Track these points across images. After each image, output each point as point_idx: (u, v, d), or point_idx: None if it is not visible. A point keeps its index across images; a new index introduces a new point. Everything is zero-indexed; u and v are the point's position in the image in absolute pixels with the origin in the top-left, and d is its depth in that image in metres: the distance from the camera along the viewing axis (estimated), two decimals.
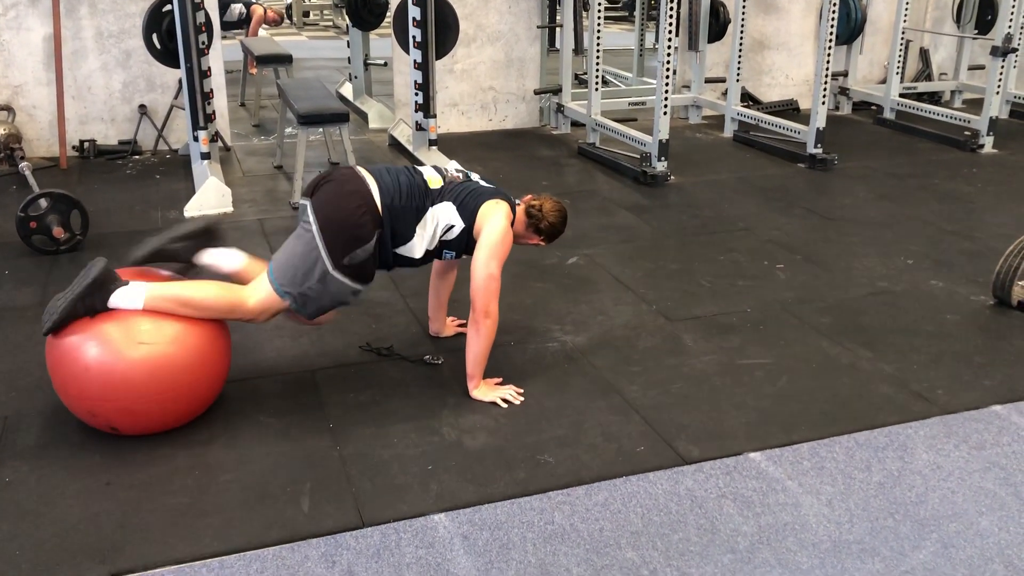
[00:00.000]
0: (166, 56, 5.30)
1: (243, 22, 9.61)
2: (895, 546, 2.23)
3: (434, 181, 2.87)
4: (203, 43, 4.88)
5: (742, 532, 2.28)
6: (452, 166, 5.06)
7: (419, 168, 2.93)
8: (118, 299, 2.51)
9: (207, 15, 4.99)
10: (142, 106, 5.86)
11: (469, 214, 2.83)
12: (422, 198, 2.81)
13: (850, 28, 7.09)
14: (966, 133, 6.30)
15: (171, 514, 2.30)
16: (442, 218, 2.82)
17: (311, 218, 2.68)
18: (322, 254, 2.66)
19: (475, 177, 3.00)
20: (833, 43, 5.67)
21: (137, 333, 2.50)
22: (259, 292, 2.68)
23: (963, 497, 2.42)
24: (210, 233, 2.84)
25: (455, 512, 2.33)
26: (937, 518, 2.34)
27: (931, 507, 2.38)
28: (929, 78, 7.84)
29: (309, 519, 2.29)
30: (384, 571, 2.12)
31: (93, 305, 2.49)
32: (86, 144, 5.73)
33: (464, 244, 2.87)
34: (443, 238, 2.85)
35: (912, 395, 2.95)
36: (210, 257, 2.80)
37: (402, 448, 2.61)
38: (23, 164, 4.94)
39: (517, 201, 2.99)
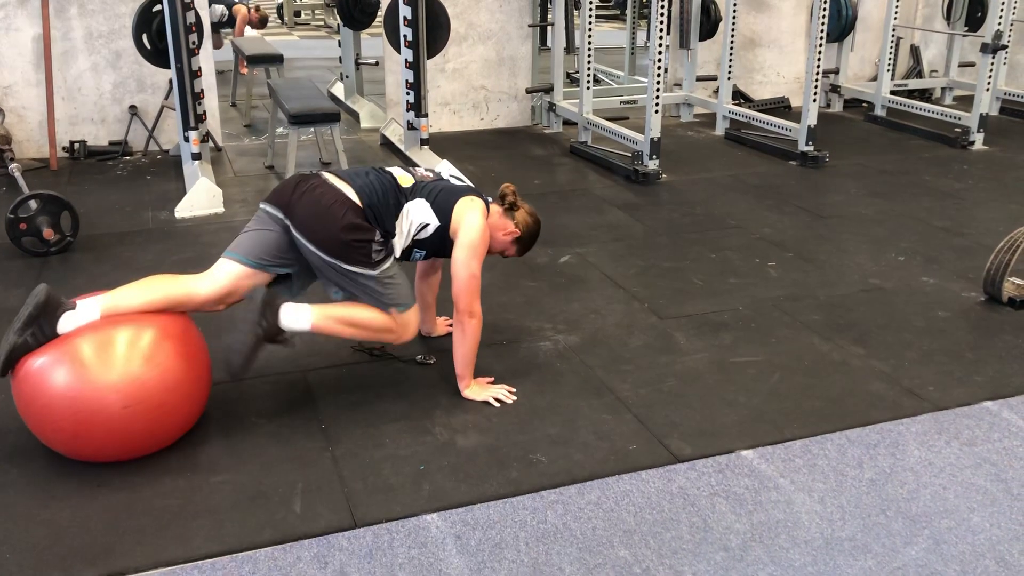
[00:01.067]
0: (156, 56, 5.29)
1: (226, 23, 9.55)
2: (887, 543, 2.24)
3: (404, 179, 2.87)
4: (193, 43, 4.87)
5: (734, 530, 2.28)
6: (444, 165, 5.07)
7: (387, 168, 2.93)
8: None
9: (197, 15, 4.97)
10: (132, 107, 5.84)
11: (444, 212, 2.83)
12: (396, 194, 2.81)
13: (841, 25, 7.11)
14: (956, 130, 6.31)
15: (162, 515, 2.29)
16: (416, 216, 2.81)
17: (315, 251, 2.67)
18: (355, 270, 2.68)
19: (444, 175, 3.00)
20: (824, 40, 5.68)
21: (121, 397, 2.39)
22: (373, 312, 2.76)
23: (955, 493, 2.43)
24: (47, 304, 2.44)
25: (448, 512, 2.32)
26: (929, 514, 2.34)
27: (923, 503, 2.39)
28: (920, 75, 7.86)
29: (301, 520, 2.28)
30: (377, 571, 2.11)
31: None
32: (76, 145, 5.72)
33: (439, 243, 2.86)
34: (416, 237, 2.84)
35: (903, 392, 2.95)
36: (68, 323, 2.46)
37: (394, 448, 2.60)
38: (12, 165, 4.92)
39: (489, 199, 2.99)
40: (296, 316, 2.67)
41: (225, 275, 2.70)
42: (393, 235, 2.79)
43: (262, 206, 2.79)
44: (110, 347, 2.42)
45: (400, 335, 2.80)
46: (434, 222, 2.82)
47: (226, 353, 2.62)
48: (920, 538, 2.26)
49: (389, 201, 2.78)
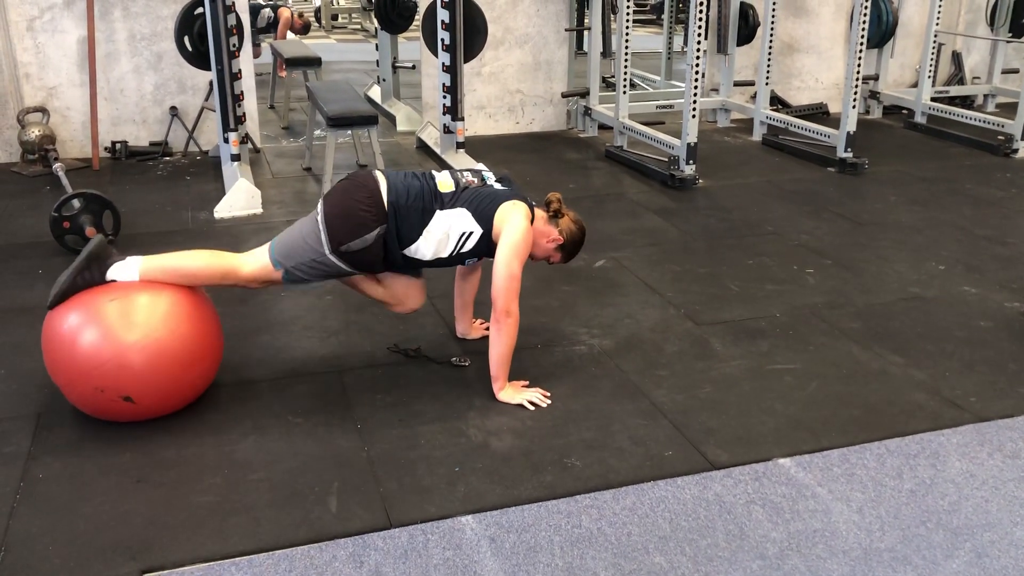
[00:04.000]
0: (197, 58, 5.36)
1: (272, 26, 9.67)
2: (927, 555, 2.20)
3: (445, 185, 2.88)
4: (234, 45, 4.92)
5: (771, 538, 2.26)
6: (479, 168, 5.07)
7: (433, 172, 2.95)
8: (115, 272, 2.68)
9: (238, 18, 5.03)
10: (173, 108, 5.92)
11: (486, 219, 2.83)
12: (430, 200, 2.82)
13: (881, 31, 7.03)
14: (999, 138, 6.22)
15: (200, 512, 2.32)
16: (457, 226, 2.82)
17: (319, 205, 2.82)
18: (322, 238, 2.76)
19: (491, 181, 3.00)
20: (864, 46, 5.62)
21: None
22: (255, 261, 2.83)
23: (997, 507, 2.39)
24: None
25: (482, 514, 2.32)
26: (971, 527, 2.30)
27: (964, 516, 2.35)
28: (961, 82, 7.75)
29: (337, 519, 2.30)
30: (412, 572, 2.12)
31: (92, 277, 2.65)
32: (118, 145, 5.80)
33: (484, 248, 2.88)
34: (462, 249, 2.86)
35: (944, 402, 2.91)
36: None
37: (429, 449, 2.61)
38: (57, 165, 5.01)
39: (534, 203, 2.99)
40: (124, 271, 2.71)
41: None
42: (414, 241, 2.82)
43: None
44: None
45: (239, 282, 2.86)
46: (477, 230, 2.83)
47: (52, 289, 2.68)
48: (962, 551, 2.22)
49: (417, 205, 2.80)
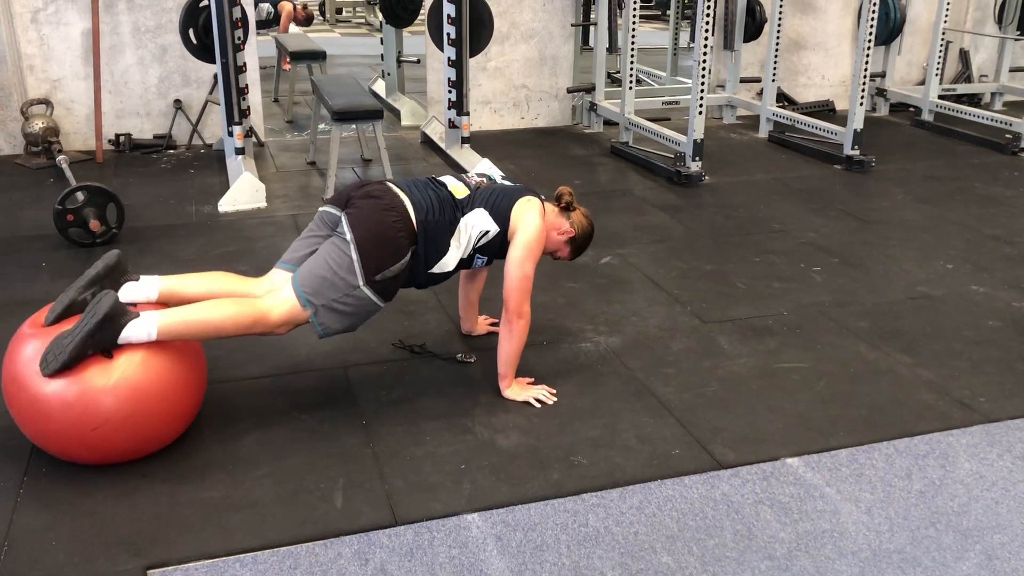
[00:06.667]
0: (202, 51, 5.34)
1: (271, 21, 9.63)
2: (937, 556, 2.19)
3: (459, 191, 2.83)
4: (239, 38, 4.90)
5: (779, 539, 2.24)
6: (483, 166, 5.05)
7: (441, 180, 2.88)
8: (130, 332, 2.36)
9: (243, 11, 5.01)
10: (177, 101, 5.90)
11: (502, 217, 2.81)
12: (453, 210, 2.77)
13: (889, 28, 6.99)
14: (1007, 136, 6.18)
15: (205, 508, 2.30)
16: (476, 225, 2.79)
17: (347, 232, 2.61)
18: (356, 267, 2.58)
19: (497, 178, 2.98)
20: (872, 43, 5.58)
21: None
22: (283, 304, 2.57)
23: (1007, 508, 2.37)
24: (115, 268, 2.53)
25: (488, 512, 2.31)
26: (981, 529, 2.29)
27: (974, 517, 2.33)
28: (969, 80, 7.71)
29: (342, 516, 2.28)
30: (417, 570, 2.10)
31: (103, 341, 2.32)
32: (122, 138, 5.78)
33: (498, 247, 2.85)
34: (478, 245, 2.82)
35: (953, 402, 2.89)
36: (128, 293, 2.52)
37: (435, 446, 2.59)
38: (60, 157, 4.99)
39: (543, 197, 2.97)
40: (140, 331, 2.37)
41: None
42: (443, 254, 2.75)
43: (321, 209, 2.78)
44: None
45: (265, 330, 2.58)
46: (494, 228, 2.79)
47: (50, 348, 2.30)
48: (972, 553, 2.20)
49: (445, 218, 2.74)
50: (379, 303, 2.67)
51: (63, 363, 2.27)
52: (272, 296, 2.60)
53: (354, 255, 2.58)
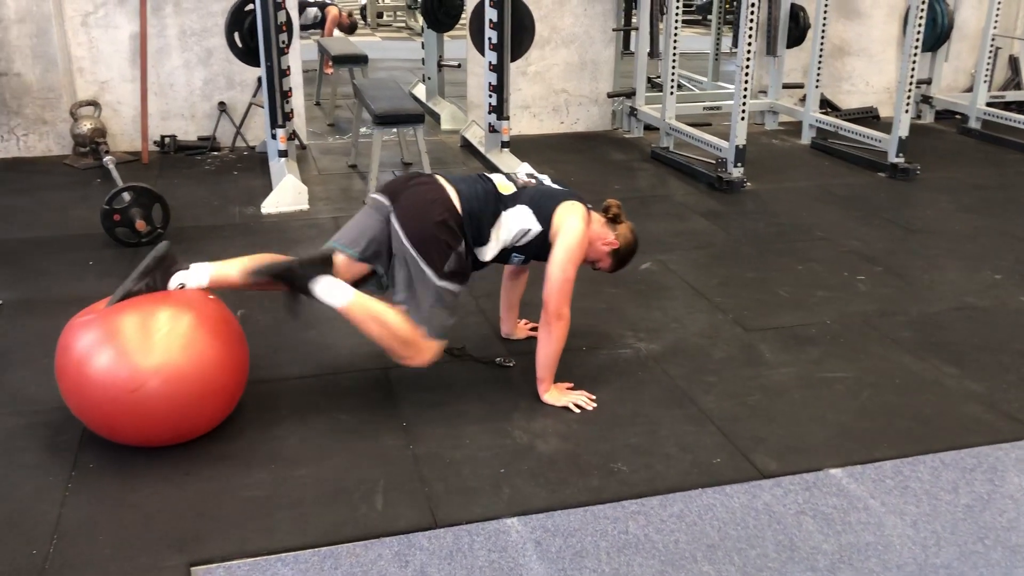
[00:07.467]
0: (247, 55, 5.40)
1: (318, 24, 9.74)
2: (985, 573, 2.14)
3: (505, 187, 2.86)
4: (283, 42, 4.95)
5: (822, 550, 2.21)
6: (522, 169, 5.06)
7: (489, 175, 2.93)
8: (326, 294, 2.64)
9: (288, 15, 5.06)
10: (221, 103, 5.98)
11: (545, 217, 2.81)
12: (496, 203, 2.81)
13: (936, 34, 6.89)
14: None
15: (248, 506, 2.32)
16: (516, 222, 2.80)
17: (401, 237, 2.69)
18: (424, 269, 2.67)
19: (546, 181, 2.98)
20: (919, 49, 5.50)
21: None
22: (430, 344, 2.72)
23: None
24: (164, 259, 2.66)
25: (528, 517, 2.30)
26: None
27: None
28: (1018, 87, 7.57)
29: (382, 517, 2.29)
30: (457, 573, 2.11)
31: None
32: (167, 139, 5.87)
33: (538, 247, 2.85)
34: (516, 244, 2.83)
35: (1002, 416, 2.83)
36: (176, 281, 2.67)
37: (474, 450, 2.60)
38: (107, 158, 5.08)
39: (590, 206, 2.96)
40: (334, 292, 2.64)
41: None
42: (484, 243, 2.79)
43: (371, 195, 2.85)
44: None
45: (413, 357, 2.72)
46: (535, 227, 2.80)
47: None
48: (1021, 571, 2.15)
49: (488, 209, 2.78)
50: (458, 288, 2.75)
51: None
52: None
53: (418, 259, 2.67)
